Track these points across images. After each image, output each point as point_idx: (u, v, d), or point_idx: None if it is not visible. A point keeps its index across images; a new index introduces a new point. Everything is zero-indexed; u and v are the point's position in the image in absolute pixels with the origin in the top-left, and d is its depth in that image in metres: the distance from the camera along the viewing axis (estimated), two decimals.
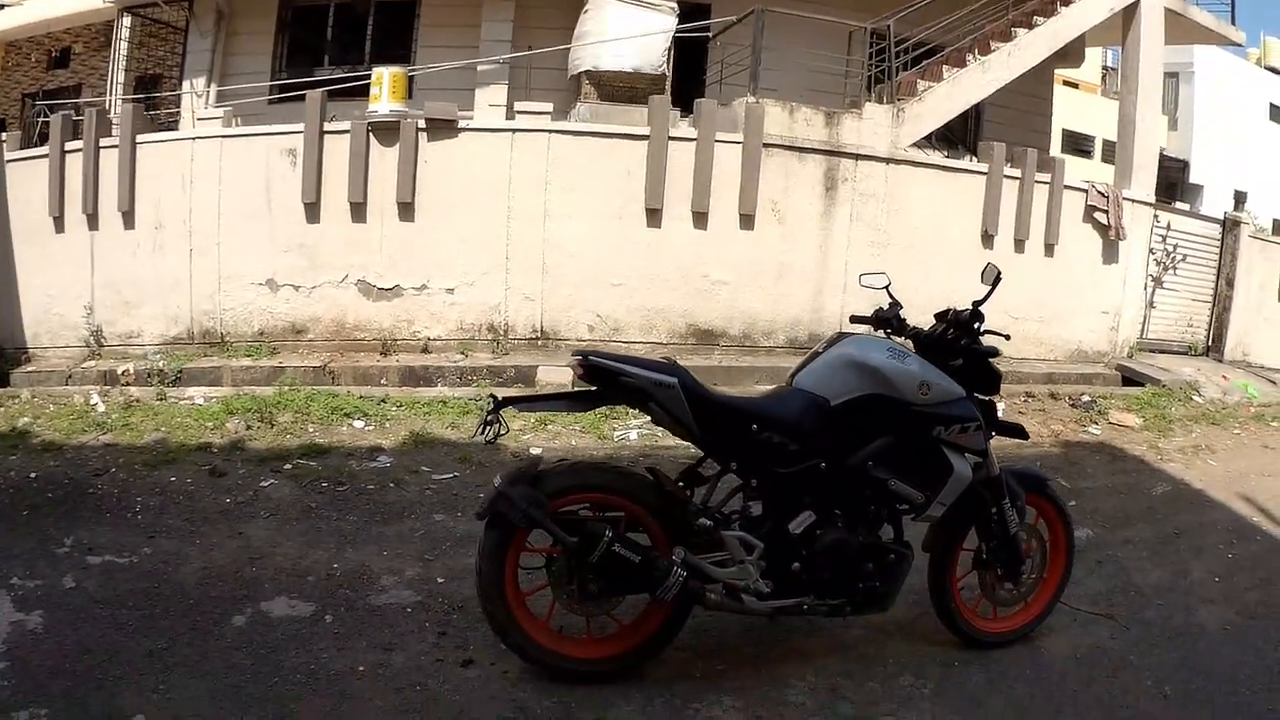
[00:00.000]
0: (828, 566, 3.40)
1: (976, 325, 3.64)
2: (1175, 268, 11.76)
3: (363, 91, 8.15)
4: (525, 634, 3.23)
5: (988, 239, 9.62)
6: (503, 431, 3.13)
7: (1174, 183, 24.83)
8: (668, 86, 9.29)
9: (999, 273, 3.64)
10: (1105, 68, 27.23)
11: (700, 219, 8.38)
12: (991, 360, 3.70)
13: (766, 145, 8.50)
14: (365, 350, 7.87)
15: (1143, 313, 11.29)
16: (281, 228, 7.84)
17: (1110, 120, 28.41)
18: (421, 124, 7.78)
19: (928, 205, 9.25)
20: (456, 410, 6.58)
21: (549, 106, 8.30)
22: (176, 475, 5.10)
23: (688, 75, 10.23)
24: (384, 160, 7.78)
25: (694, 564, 3.26)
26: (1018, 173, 9.64)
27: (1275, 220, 22.37)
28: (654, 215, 8.25)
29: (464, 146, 7.91)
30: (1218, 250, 12.27)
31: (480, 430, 3.12)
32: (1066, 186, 10.07)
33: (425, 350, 7.96)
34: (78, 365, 7.85)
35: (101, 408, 6.36)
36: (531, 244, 8.09)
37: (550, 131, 8.08)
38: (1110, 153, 23.58)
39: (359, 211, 7.81)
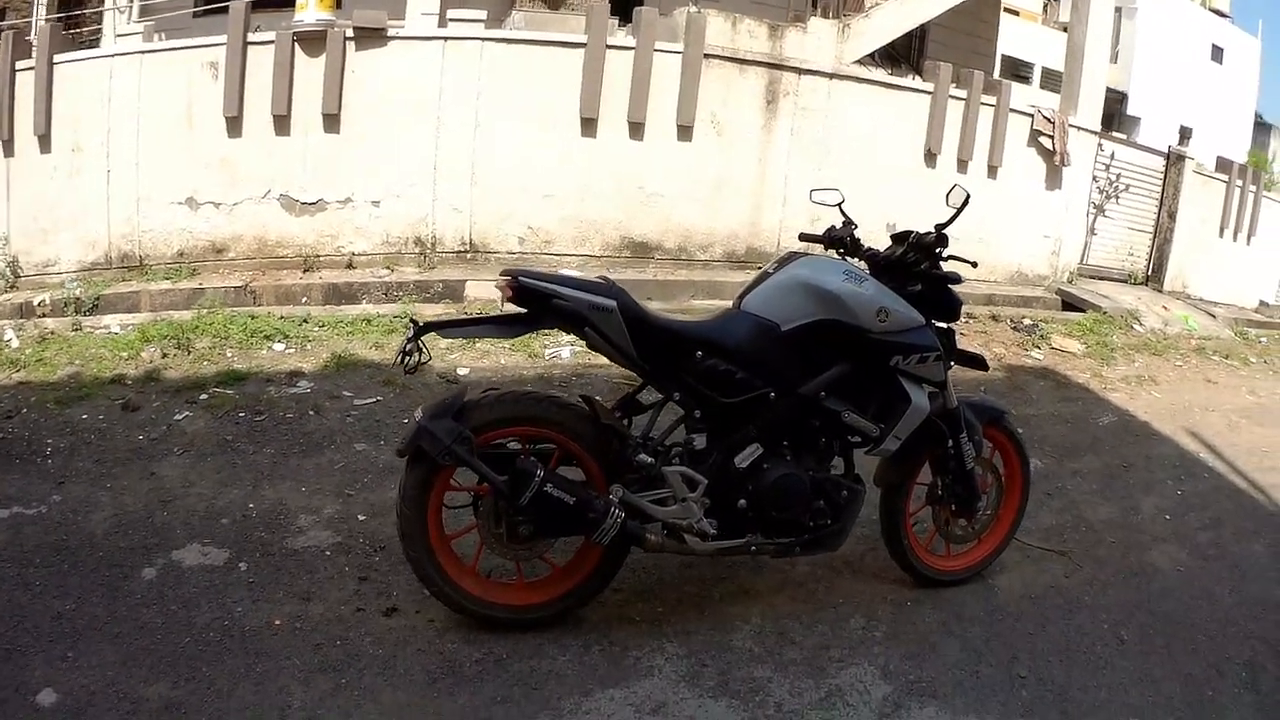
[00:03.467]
0: (776, 504, 3.20)
1: (939, 250, 3.40)
2: (1118, 197, 11.87)
3: (290, 2, 7.67)
4: (451, 581, 3.00)
5: (930, 158, 9.57)
6: (424, 360, 2.85)
7: (1112, 113, 25.15)
8: None
9: (967, 195, 3.39)
10: None
11: (637, 130, 8.11)
12: (952, 286, 3.49)
13: (707, 56, 8.24)
14: (288, 268, 7.49)
15: (1084, 239, 11.38)
16: (202, 144, 7.37)
17: (1050, 48, 28.91)
18: (349, 33, 7.30)
19: (870, 123, 9.10)
20: (381, 329, 6.28)
21: (483, 14, 7.87)
22: (89, 412, 4.74)
23: None
24: (310, 71, 7.31)
25: (633, 502, 3.04)
26: (963, 94, 9.58)
27: (1218, 158, 22.64)
28: (589, 125, 7.96)
29: (393, 55, 7.46)
30: (1160, 183, 12.47)
31: (400, 359, 2.82)
32: (1012, 110, 10.03)
33: (350, 266, 7.61)
34: None
35: (15, 343, 5.93)
36: (461, 154, 7.75)
37: (484, 40, 7.68)
38: (1050, 80, 23.91)
39: (282, 124, 7.35)
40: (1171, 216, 12.48)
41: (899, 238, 3.55)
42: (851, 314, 3.18)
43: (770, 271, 3.27)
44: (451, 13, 7.81)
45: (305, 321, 6.33)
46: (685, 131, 8.26)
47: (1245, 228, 13.71)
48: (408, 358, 2.80)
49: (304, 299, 7.02)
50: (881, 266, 3.44)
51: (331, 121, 7.39)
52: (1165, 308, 11.34)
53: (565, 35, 8.03)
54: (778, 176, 8.74)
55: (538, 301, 2.86)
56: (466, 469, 2.89)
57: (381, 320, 6.42)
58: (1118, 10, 21.44)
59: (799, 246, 3.77)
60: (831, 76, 8.89)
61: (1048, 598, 3.99)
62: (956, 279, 3.50)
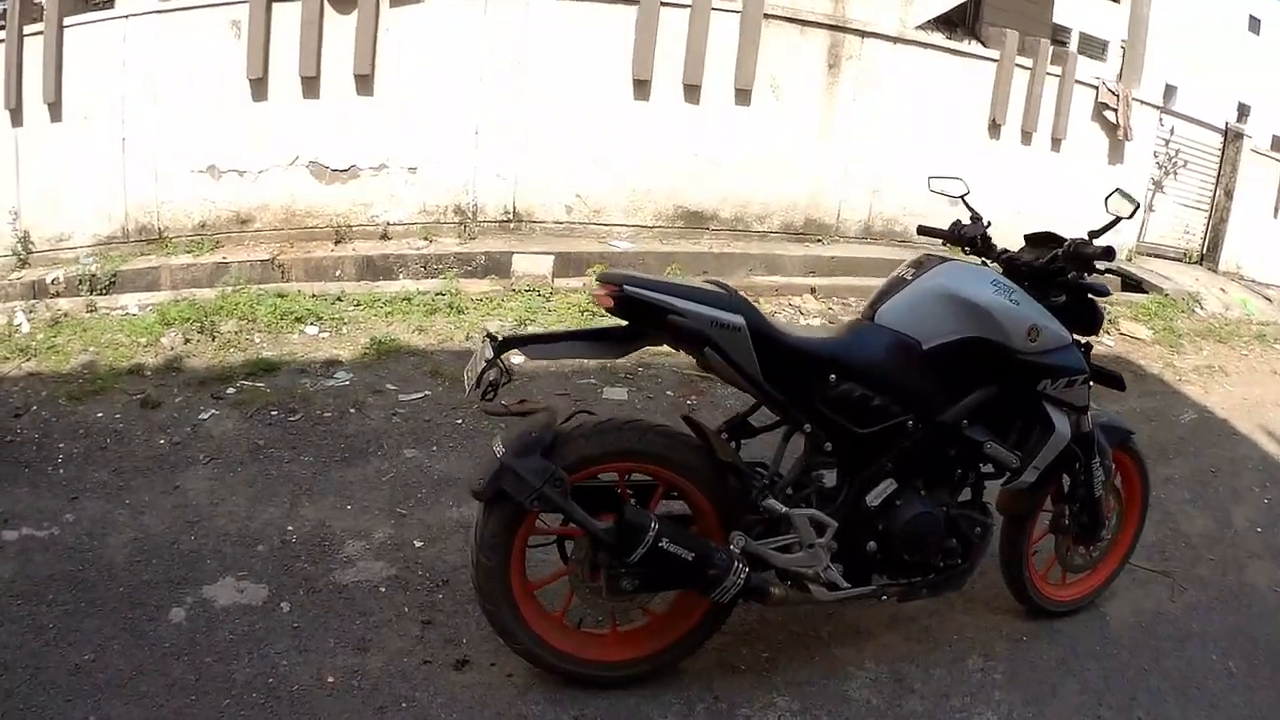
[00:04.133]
0: (909, 546, 2.78)
1: (1100, 262, 2.94)
2: (1175, 173, 11.56)
3: None
4: (536, 636, 2.57)
5: (994, 129, 9.09)
6: (506, 381, 2.35)
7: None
8: None
9: (1138, 206, 2.93)
10: None
11: (692, 93, 7.62)
12: (1097, 298, 3.07)
13: (767, 17, 7.72)
14: (318, 240, 7.03)
15: (1142, 216, 11.00)
16: (224, 109, 6.88)
17: (1088, 14, 28.11)
18: None
19: (934, 90, 8.61)
20: (422, 309, 5.80)
21: None
22: (104, 410, 4.28)
23: None
24: (340, 29, 6.79)
25: (754, 551, 2.60)
26: (1029, 63, 9.10)
27: (1273, 137, 22.21)
28: (642, 87, 7.46)
29: (432, 12, 6.94)
30: (1217, 160, 12.14)
31: (476, 384, 2.33)
32: (1077, 82, 9.55)
33: (384, 237, 7.14)
34: (4, 277, 6.87)
35: (26, 328, 5.47)
36: (505, 118, 7.24)
37: None
38: (1088, 46, 23.22)
39: (311, 87, 6.85)
40: (1228, 195, 12.11)
41: (1037, 239, 3.12)
42: (1002, 332, 2.74)
43: (907, 278, 2.80)
44: None
45: (339, 300, 5.88)
46: (743, 96, 7.79)
47: None
48: (486, 382, 2.32)
49: (336, 273, 6.57)
50: (1022, 273, 2.99)
51: (364, 83, 6.90)
52: (1223, 290, 11.09)
53: None
54: (839, 145, 8.30)
55: (647, 315, 2.39)
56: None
57: (423, 299, 5.95)
58: None
59: (899, 232, 3.32)
60: (895, 40, 8.40)
61: (1158, 626, 3.75)
62: (1105, 291, 3.07)
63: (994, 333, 2.72)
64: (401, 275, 6.58)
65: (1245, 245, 12.53)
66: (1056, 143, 9.58)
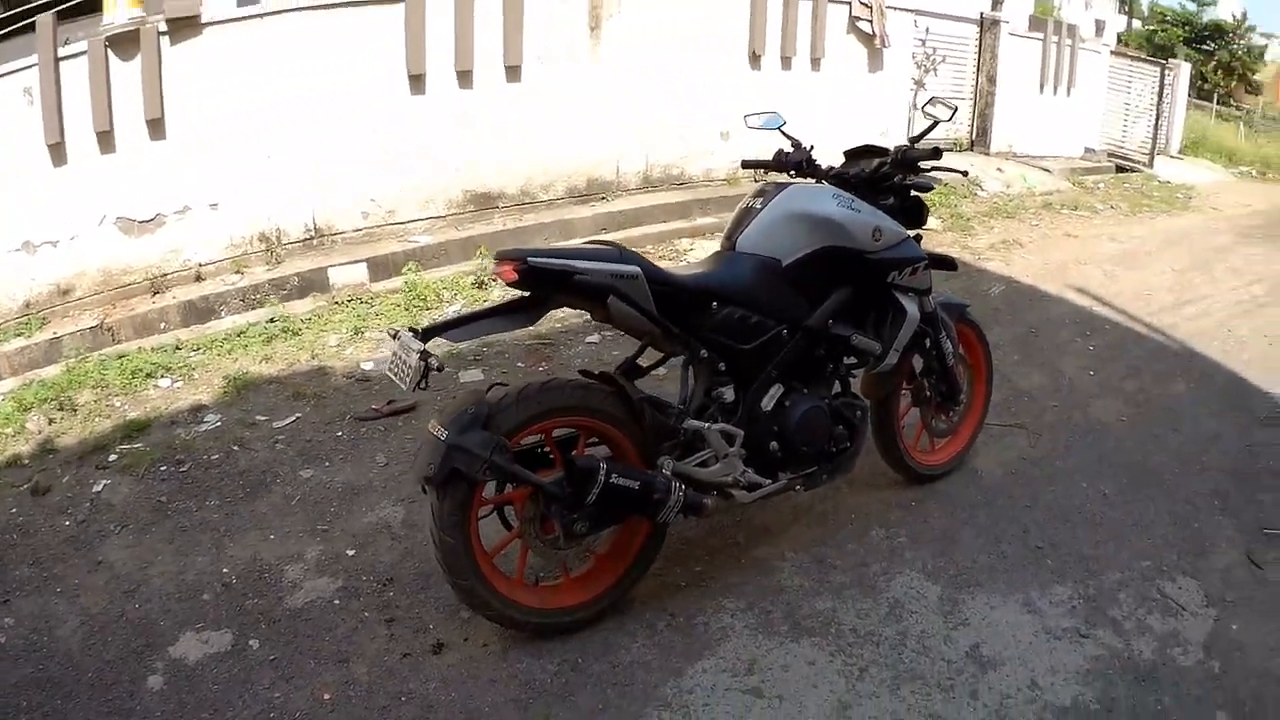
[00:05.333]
0: (805, 439, 3.16)
1: (928, 162, 3.36)
2: (936, 70, 12.16)
3: (100, 4, 6.71)
4: (506, 599, 2.78)
5: (755, 59, 9.43)
6: (437, 368, 2.49)
7: None
8: None
9: (955, 110, 3.35)
10: None
11: (465, 78, 7.65)
12: (922, 194, 3.49)
13: None
14: (138, 295, 6.74)
15: (908, 116, 11.60)
16: (30, 180, 6.45)
17: None
18: (162, 26, 6.50)
19: (690, 27, 8.85)
20: (260, 340, 5.79)
21: None
22: None
23: None
24: (127, 76, 6.46)
25: (684, 471, 2.91)
26: None
27: (1030, 17, 23.77)
28: (418, 82, 7.45)
29: (210, 44, 6.70)
30: (976, 49, 12.95)
31: (415, 378, 2.45)
32: (831, 0, 9.97)
33: (199, 279, 6.91)
34: None
35: None
36: (295, 136, 7.11)
37: (301, 10, 7.01)
38: None
39: (107, 141, 6.54)
40: (991, 81, 12.96)
41: (855, 153, 3.54)
42: (851, 238, 3.13)
43: (756, 207, 3.12)
44: None
45: (178, 349, 5.78)
46: (514, 72, 7.86)
47: (1065, 81, 14.25)
48: (423, 371, 2.45)
49: (162, 325, 6.37)
50: (854, 184, 3.36)
51: (156, 128, 6.63)
52: (1000, 170, 11.90)
53: None
54: (609, 103, 8.45)
55: (552, 282, 2.59)
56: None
57: (257, 330, 5.93)
58: None
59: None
60: None
61: (1026, 470, 4.23)
62: (930, 187, 3.49)
63: (843, 239, 3.10)
64: (224, 312, 6.44)
65: (1015, 125, 13.38)
66: (816, 62, 9.98)
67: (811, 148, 3.52)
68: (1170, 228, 11.16)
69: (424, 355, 2.45)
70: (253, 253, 7.08)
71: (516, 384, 2.74)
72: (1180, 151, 19.70)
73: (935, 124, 3.36)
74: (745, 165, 3.70)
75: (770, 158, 3.55)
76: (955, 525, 3.72)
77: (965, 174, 3.72)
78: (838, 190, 3.24)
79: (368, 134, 7.36)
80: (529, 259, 2.53)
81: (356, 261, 6.75)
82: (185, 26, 6.53)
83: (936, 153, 3.35)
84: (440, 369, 2.50)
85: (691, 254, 7.50)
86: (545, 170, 8.21)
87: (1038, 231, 9.61)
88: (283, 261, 7.01)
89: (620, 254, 2.72)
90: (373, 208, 7.45)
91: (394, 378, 2.55)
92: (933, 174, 3.48)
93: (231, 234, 7.05)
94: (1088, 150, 15.34)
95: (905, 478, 3.96)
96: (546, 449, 2.83)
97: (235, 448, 4.46)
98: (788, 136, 3.55)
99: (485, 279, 6.44)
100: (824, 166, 3.49)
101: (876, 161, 3.38)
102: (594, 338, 5.58)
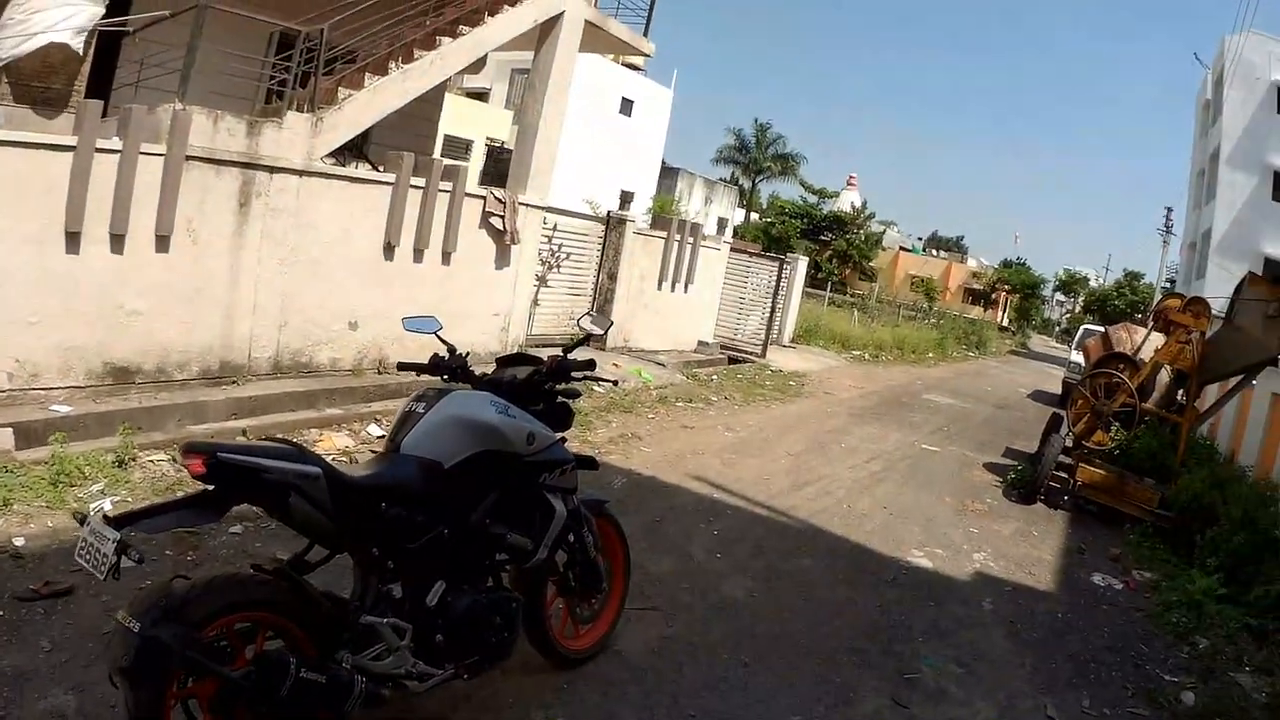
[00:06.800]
0: (466, 630, 3.33)
1: (581, 373, 3.77)
2: (559, 266, 12.59)
3: None
4: None
5: (389, 250, 9.43)
6: (135, 559, 2.44)
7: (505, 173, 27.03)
8: (83, 87, 7.82)
9: (610, 324, 3.80)
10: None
11: (118, 242, 7.21)
12: (569, 401, 3.88)
13: (189, 158, 7.55)
14: None
15: (529, 311, 11.82)
16: None
17: (486, 124, 30.20)
18: None
19: (335, 218, 8.91)
20: None
21: None
22: None
23: (100, 74, 8.68)
24: None
25: (361, 665, 2.96)
26: (422, 182, 9.63)
27: (654, 216, 25.09)
28: (74, 240, 6.91)
29: None
30: (600, 246, 13.48)
31: (109, 568, 2.40)
32: (467, 194, 10.14)
33: None
34: None
35: None
36: None
37: None
38: (493, 156, 24.86)
39: None
40: (612, 277, 13.45)
41: (507, 360, 3.90)
42: (508, 442, 3.41)
43: (419, 410, 3.32)
44: None
45: None
46: (163, 242, 7.51)
47: (683, 277, 15.14)
48: (117, 562, 2.39)
49: None
50: (505, 390, 3.65)
51: None
52: (616, 365, 12.37)
53: (54, 137, 6.84)
54: (249, 282, 8.25)
55: (237, 477, 2.65)
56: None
57: None
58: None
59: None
60: (301, 173, 8.51)
61: (667, 648, 4.56)
62: (577, 395, 3.92)
63: (501, 444, 3.39)
64: None
65: (632, 320, 13.87)
66: (447, 255, 10.01)
67: (467, 354, 3.81)
68: (784, 414, 12.00)
69: (120, 546, 2.41)
70: None
71: (201, 576, 2.70)
72: (793, 340, 20.96)
73: (589, 337, 3.83)
74: (401, 367, 3.90)
75: (425, 360, 3.79)
76: (609, 701, 3.95)
77: (616, 383, 4.17)
78: (494, 397, 3.52)
79: (21, 287, 6.68)
80: (218, 454, 2.59)
81: (2, 426, 6.05)
82: None
83: (590, 364, 3.79)
84: (140, 561, 2.46)
85: (319, 445, 7.34)
86: (182, 348, 7.81)
87: (655, 424, 10.00)
88: None
89: (300, 454, 2.83)
90: (18, 369, 6.64)
91: (86, 565, 2.46)
92: (582, 382, 3.89)
93: None
94: (701, 344, 16.08)
95: (554, 664, 4.13)
96: (225, 643, 2.82)
97: None
98: (444, 341, 3.81)
99: (125, 458, 6.04)
100: (478, 372, 3.78)
101: (530, 370, 3.74)
102: (237, 529, 5.34)
